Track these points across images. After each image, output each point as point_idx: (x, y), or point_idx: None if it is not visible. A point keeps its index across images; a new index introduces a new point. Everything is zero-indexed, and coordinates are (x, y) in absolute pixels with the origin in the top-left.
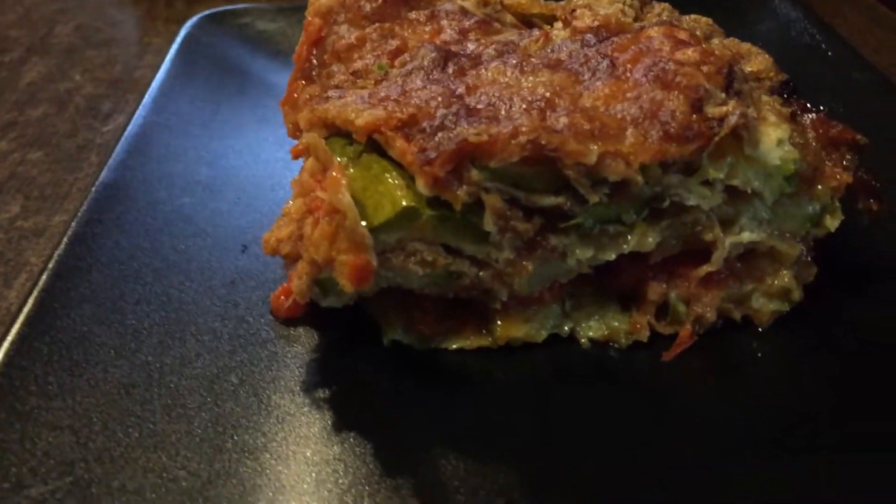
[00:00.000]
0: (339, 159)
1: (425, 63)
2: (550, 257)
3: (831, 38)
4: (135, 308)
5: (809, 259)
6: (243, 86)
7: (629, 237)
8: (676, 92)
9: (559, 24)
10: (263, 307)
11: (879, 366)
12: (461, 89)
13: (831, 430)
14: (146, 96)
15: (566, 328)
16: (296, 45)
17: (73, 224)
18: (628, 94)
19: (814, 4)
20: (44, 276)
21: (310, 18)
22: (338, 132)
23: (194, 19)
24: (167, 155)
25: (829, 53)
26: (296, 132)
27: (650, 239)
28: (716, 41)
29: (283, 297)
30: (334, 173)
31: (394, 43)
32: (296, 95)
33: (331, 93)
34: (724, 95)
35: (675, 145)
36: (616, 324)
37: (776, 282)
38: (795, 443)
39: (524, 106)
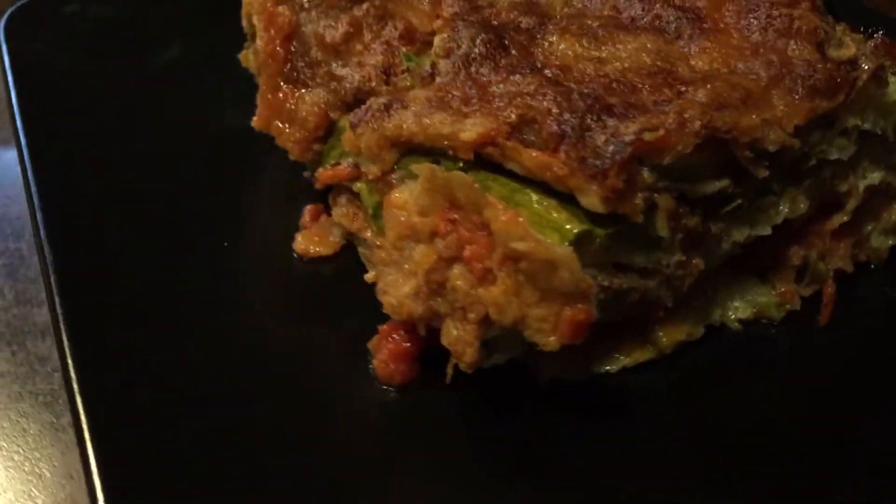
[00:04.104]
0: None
1: (479, 49)
2: (712, 248)
3: None
4: None
5: None
6: None
7: (780, 206)
8: (798, 40)
9: None
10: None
11: None
12: (550, 74)
13: None
14: None
15: (717, 316)
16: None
17: None
18: (745, 52)
19: None
20: None
21: (271, 8)
22: (413, 150)
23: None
24: None
25: None
26: (305, 152)
27: (801, 204)
28: None
29: (390, 364)
30: (500, 212)
31: (398, 25)
32: (290, 105)
33: (373, 103)
34: (836, 32)
35: (824, 100)
36: (762, 298)
37: (892, 216)
38: None
39: (648, 84)
